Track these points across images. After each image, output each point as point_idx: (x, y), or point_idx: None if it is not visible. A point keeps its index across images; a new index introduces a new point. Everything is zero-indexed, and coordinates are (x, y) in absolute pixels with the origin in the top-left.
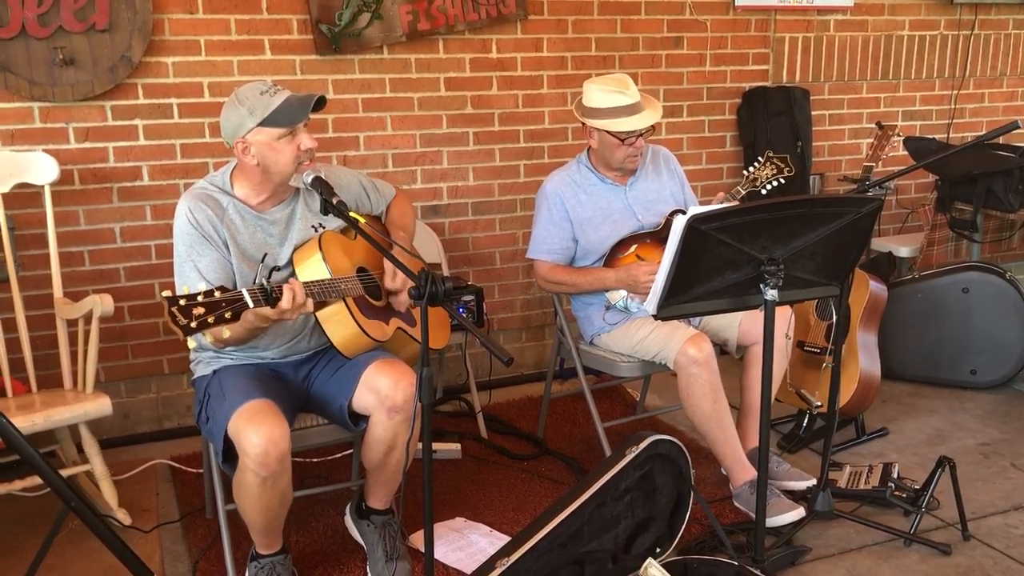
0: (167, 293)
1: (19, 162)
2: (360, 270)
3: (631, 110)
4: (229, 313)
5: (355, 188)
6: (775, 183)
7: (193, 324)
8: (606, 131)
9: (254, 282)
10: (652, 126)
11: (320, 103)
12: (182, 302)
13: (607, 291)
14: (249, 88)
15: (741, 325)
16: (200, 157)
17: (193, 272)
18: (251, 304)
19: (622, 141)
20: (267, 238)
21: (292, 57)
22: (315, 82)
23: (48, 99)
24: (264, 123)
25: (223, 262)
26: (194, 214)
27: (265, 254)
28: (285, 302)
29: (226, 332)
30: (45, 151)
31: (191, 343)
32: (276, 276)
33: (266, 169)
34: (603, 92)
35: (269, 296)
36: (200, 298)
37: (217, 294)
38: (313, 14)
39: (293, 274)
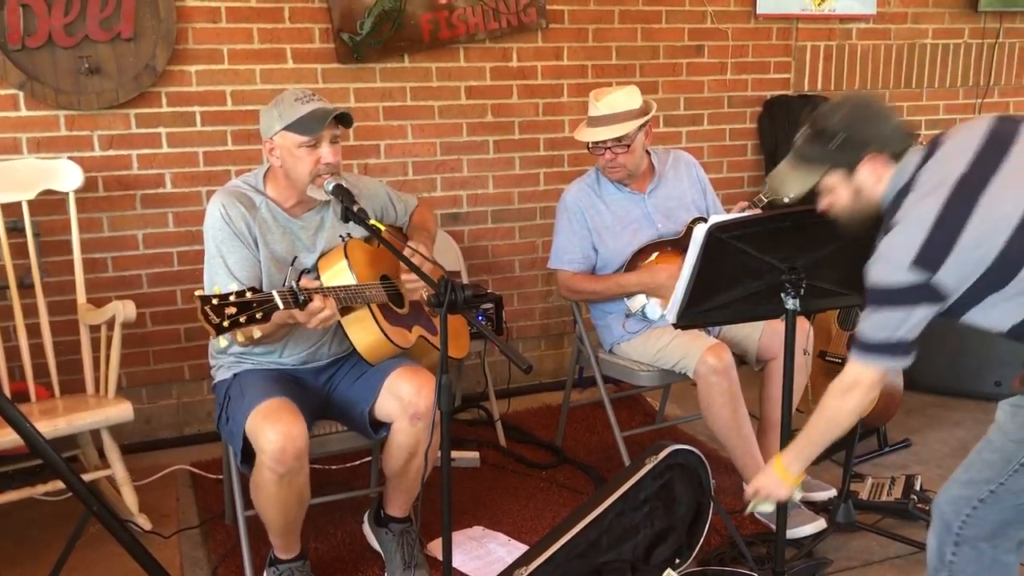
0: (200, 292)
1: (44, 169)
2: (383, 278)
3: (596, 122)
4: (260, 314)
5: (382, 198)
6: None
7: (225, 323)
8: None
9: (283, 284)
10: (626, 143)
11: (346, 119)
12: (215, 301)
13: (629, 297)
14: (290, 92)
15: (761, 339)
16: (222, 165)
17: (222, 268)
18: (281, 306)
19: (590, 151)
20: (296, 242)
21: (314, 66)
22: (336, 90)
23: (73, 107)
24: (288, 128)
25: (252, 260)
26: (227, 210)
27: (295, 257)
28: (316, 305)
29: (257, 332)
30: (70, 158)
31: (223, 341)
32: (305, 279)
33: (287, 173)
34: (589, 102)
35: (298, 299)
36: (232, 298)
37: (248, 294)
38: (335, 23)
39: (318, 280)
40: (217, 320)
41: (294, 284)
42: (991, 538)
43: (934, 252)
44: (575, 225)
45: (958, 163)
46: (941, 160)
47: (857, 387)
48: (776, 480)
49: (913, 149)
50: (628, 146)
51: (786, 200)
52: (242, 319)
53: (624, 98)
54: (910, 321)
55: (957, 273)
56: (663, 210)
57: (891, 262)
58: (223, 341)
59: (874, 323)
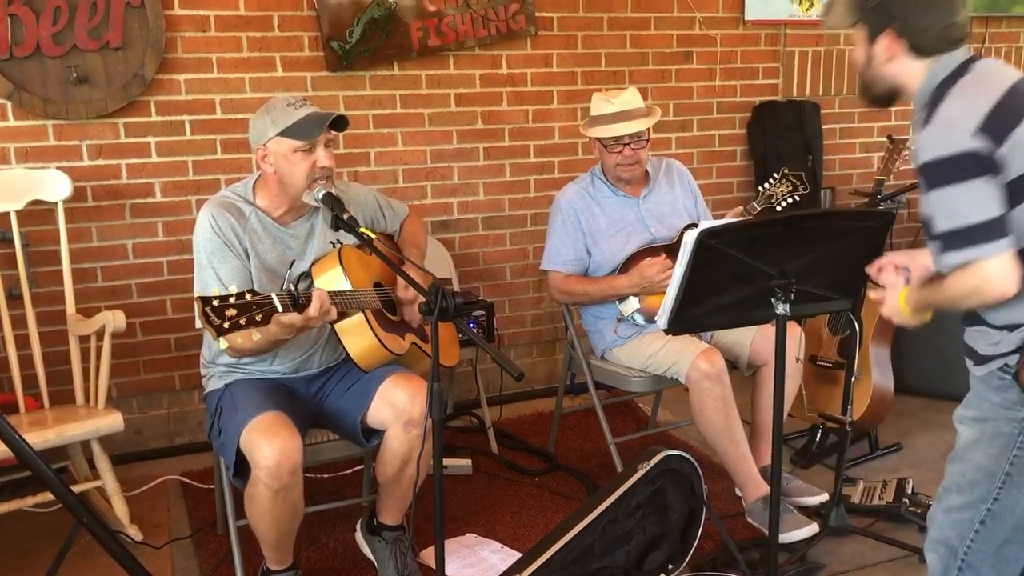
0: (199, 293)
1: (33, 179)
2: (376, 285)
3: (615, 118)
4: (260, 316)
5: (371, 205)
6: (790, 200)
7: (226, 325)
8: (589, 137)
9: (281, 288)
10: (646, 138)
11: (340, 123)
12: (215, 303)
13: (620, 299)
14: (280, 99)
15: (753, 344)
16: (212, 174)
17: (213, 279)
18: (280, 308)
19: (606, 148)
20: (286, 250)
21: (304, 74)
22: (326, 98)
23: (62, 117)
24: (283, 134)
25: (243, 270)
26: (217, 221)
27: (293, 261)
28: (313, 309)
29: (256, 335)
30: (59, 168)
31: (222, 344)
32: (301, 285)
33: (281, 180)
34: (598, 101)
35: (297, 302)
36: (232, 300)
37: (248, 296)
38: (324, 31)
39: (312, 286)
40: (218, 322)
41: (292, 287)
42: (994, 562)
43: (1002, 120)
44: (569, 227)
45: (1008, 75)
46: (988, 69)
47: (981, 291)
48: (898, 306)
49: (959, 51)
50: (647, 141)
51: (778, 208)
52: (242, 321)
53: (634, 96)
54: (976, 196)
55: (1018, 153)
56: (656, 215)
57: (954, 129)
58: (223, 343)
59: (941, 211)
